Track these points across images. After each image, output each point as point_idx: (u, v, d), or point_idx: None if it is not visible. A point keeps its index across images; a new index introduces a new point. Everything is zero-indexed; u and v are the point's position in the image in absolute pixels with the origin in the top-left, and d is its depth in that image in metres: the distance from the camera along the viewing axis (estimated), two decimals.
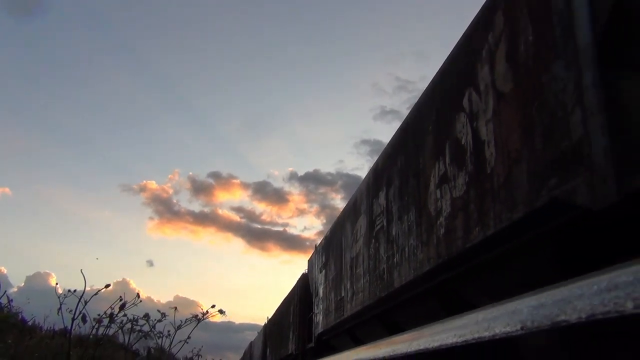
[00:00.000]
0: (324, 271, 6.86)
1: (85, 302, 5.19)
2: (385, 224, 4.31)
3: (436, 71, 3.57)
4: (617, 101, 1.84)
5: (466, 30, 3.11)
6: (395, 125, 4.44)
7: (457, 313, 2.32)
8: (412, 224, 3.66)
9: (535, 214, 2.18)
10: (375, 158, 4.85)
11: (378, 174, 4.72)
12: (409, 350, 1.89)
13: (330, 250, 6.60)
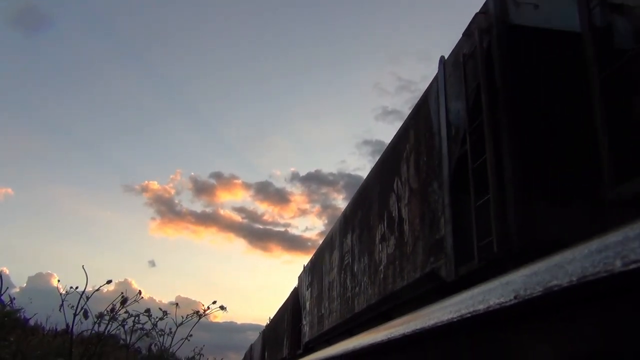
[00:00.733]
0: (309, 289, 8.12)
1: (87, 298, 5.61)
2: (350, 261, 5.56)
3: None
4: (459, 214, 3.08)
5: (396, 133, 4.36)
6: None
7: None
8: (365, 266, 4.91)
9: (424, 277, 3.43)
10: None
11: (347, 219, 5.97)
12: (406, 331, 1.84)
13: (314, 272, 7.86)
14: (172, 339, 7.11)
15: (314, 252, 8.19)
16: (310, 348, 7.88)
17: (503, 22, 2.70)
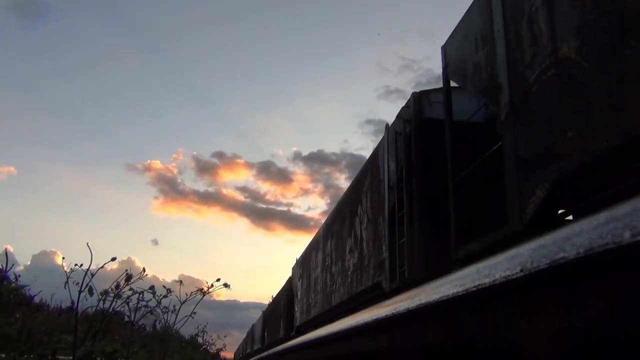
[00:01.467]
0: (300, 281, 9.40)
1: (92, 276, 5.65)
2: (329, 263, 6.80)
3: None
4: (393, 245, 4.28)
5: (361, 169, 5.54)
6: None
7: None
8: (339, 269, 6.14)
9: (374, 285, 4.66)
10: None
11: (328, 226, 7.19)
12: (410, 306, 1.84)
13: (304, 267, 9.13)
14: (176, 316, 7.18)
15: (306, 247, 9.45)
16: (301, 331, 9.20)
17: (419, 116, 3.86)
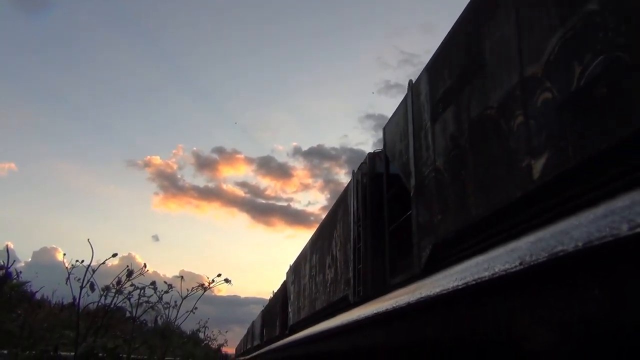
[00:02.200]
0: (293, 285, 10.63)
1: (93, 271, 5.55)
2: (315, 274, 8.01)
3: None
4: (355, 268, 5.48)
5: (337, 199, 6.72)
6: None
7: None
8: (321, 281, 7.35)
9: (343, 297, 5.86)
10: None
11: (313, 242, 8.40)
12: (410, 300, 1.84)
13: (296, 273, 10.36)
14: (178, 312, 7.07)
15: (297, 256, 10.66)
16: (294, 330, 10.43)
17: (372, 170, 5.05)
